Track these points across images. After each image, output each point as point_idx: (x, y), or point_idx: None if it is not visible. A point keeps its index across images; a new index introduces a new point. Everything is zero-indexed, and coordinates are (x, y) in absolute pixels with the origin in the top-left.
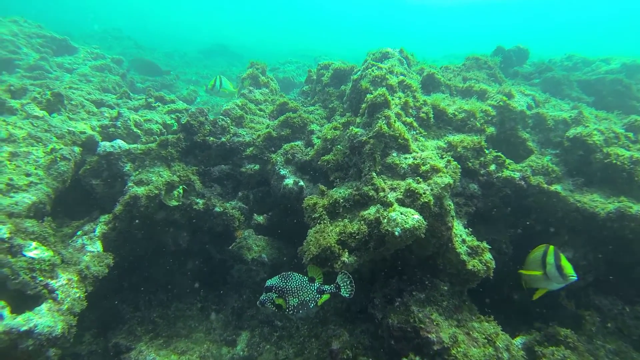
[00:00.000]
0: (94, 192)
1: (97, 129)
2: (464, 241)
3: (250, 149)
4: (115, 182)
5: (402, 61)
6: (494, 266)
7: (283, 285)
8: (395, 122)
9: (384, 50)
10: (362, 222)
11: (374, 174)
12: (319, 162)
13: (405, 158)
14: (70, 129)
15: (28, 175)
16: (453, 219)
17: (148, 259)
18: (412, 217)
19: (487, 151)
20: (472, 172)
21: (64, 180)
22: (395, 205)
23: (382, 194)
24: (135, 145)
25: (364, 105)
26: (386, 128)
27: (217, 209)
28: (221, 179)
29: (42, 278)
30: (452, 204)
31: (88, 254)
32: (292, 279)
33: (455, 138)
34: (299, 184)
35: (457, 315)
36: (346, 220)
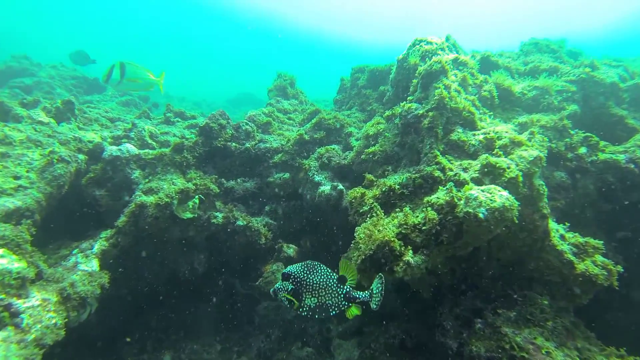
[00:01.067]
0: (97, 205)
1: (109, 139)
2: (562, 237)
3: (279, 155)
4: (121, 192)
5: (450, 47)
6: (621, 269)
7: (303, 277)
8: (456, 94)
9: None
10: (429, 209)
11: (436, 151)
12: (362, 157)
13: (474, 134)
14: (77, 135)
15: (17, 178)
16: (547, 205)
17: (158, 287)
18: (499, 194)
19: (572, 131)
20: (555, 158)
21: (59, 185)
22: (471, 184)
23: (450, 172)
24: (146, 151)
25: (414, 81)
26: (447, 97)
27: (239, 223)
28: (246, 198)
29: (3, 296)
30: (544, 185)
31: (79, 272)
32: (317, 271)
33: (529, 117)
34: (338, 187)
35: (571, 342)
36: (407, 209)
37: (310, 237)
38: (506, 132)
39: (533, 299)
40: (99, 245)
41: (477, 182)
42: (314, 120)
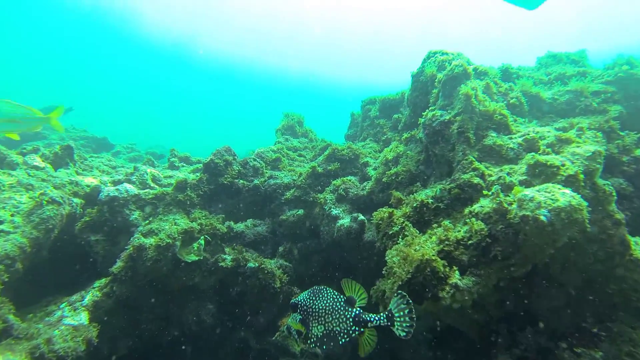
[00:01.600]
0: (92, 252)
1: (108, 184)
2: None
3: (291, 191)
4: (119, 237)
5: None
6: None
7: (309, 304)
8: (483, 98)
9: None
10: (473, 219)
11: (471, 157)
12: (384, 180)
13: (511, 138)
14: (73, 179)
15: None
16: (617, 210)
17: (162, 343)
18: (561, 192)
19: (621, 133)
20: (608, 163)
21: (47, 229)
22: (521, 187)
23: (491, 178)
24: (146, 190)
25: (435, 91)
26: (474, 97)
27: (251, 265)
28: (257, 243)
29: None
30: (610, 185)
31: (62, 327)
32: (323, 296)
33: (569, 121)
34: (359, 218)
35: None
36: (446, 222)
37: (329, 282)
38: (548, 131)
39: (624, 333)
40: (90, 296)
41: (526, 185)
42: (326, 152)
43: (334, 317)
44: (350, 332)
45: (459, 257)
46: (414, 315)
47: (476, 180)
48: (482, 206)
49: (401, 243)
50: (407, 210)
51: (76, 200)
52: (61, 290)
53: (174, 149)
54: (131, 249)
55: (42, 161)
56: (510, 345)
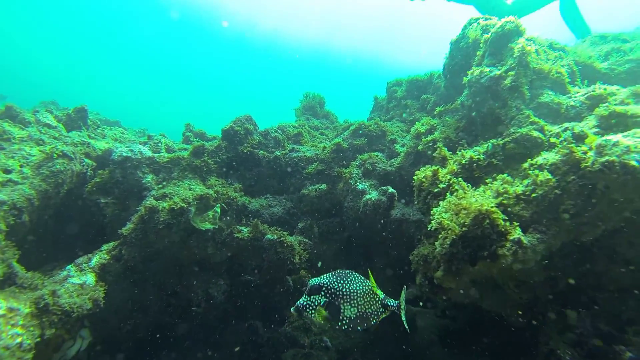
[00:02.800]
0: (102, 215)
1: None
2: None
3: (314, 165)
4: (130, 201)
5: None
6: None
7: (337, 287)
8: (537, 56)
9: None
10: (537, 171)
11: (528, 111)
12: (419, 148)
13: (571, 97)
14: (86, 140)
15: (7, 171)
16: None
17: (169, 321)
18: None
19: None
20: None
21: (57, 183)
22: (596, 136)
23: (555, 129)
24: (161, 154)
25: (479, 52)
26: (529, 52)
27: (269, 237)
28: (272, 224)
29: None
30: None
31: (67, 284)
32: (352, 279)
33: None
34: (389, 191)
35: None
36: (504, 175)
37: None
38: (618, 88)
39: None
40: (97, 258)
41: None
42: (352, 127)
43: (366, 300)
44: (379, 313)
45: (519, 213)
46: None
47: (535, 133)
48: (545, 158)
49: (451, 197)
50: (454, 168)
51: (87, 161)
52: (68, 254)
53: (189, 123)
54: (143, 210)
55: (55, 120)
56: (563, 330)
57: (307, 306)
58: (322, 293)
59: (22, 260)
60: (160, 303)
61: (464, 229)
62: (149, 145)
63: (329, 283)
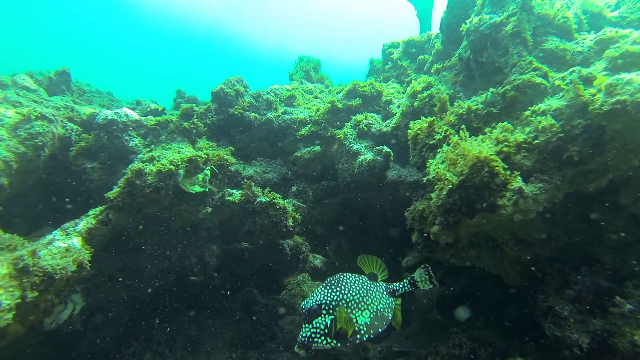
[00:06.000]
0: (88, 181)
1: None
2: None
3: (308, 127)
4: (116, 166)
5: None
6: None
7: (338, 298)
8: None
9: None
10: (539, 117)
11: (530, 57)
12: (415, 104)
13: (577, 42)
14: (69, 104)
15: None
16: None
17: (161, 289)
18: None
19: None
20: None
21: (36, 146)
22: (605, 77)
23: (558, 77)
24: (148, 117)
25: (479, 1)
26: (533, 2)
27: (261, 199)
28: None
29: None
30: None
31: (51, 247)
32: (348, 283)
33: None
34: (384, 151)
35: None
36: (504, 123)
37: (344, 235)
38: (630, 31)
39: None
40: (84, 223)
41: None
42: (347, 88)
43: (373, 296)
44: (391, 304)
45: (520, 162)
46: (435, 281)
47: (538, 80)
48: (549, 104)
49: (447, 148)
50: (451, 119)
51: (71, 125)
52: (56, 223)
53: (180, 89)
54: (130, 173)
55: (34, 83)
56: (562, 287)
57: (313, 335)
58: (324, 312)
59: (9, 230)
60: (155, 269)
61: (461, 177)
62: (137, 110)
63: (326, 298)
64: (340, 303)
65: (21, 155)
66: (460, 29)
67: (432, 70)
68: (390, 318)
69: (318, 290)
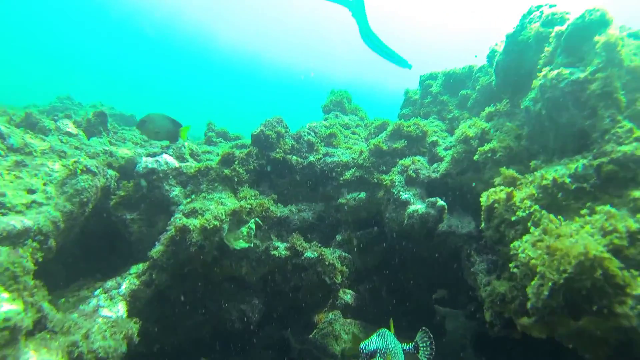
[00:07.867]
0: (127, 233)
1: (144, 157)
2: None
3: (351, 171)
4: (157, 216)
5: None
6: None
7: (386, 347)
8: (629, 52)
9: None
10: None
11: (628, 124)
12: (475, 157)
13: None
14: (107, 148)
15: (31, 191)
16: None
17: (201, 341)
18: None
19: None
20: None
21: (82, 202)
22: None
23: None
24: (188, 164)
25: (549, 48)
26: (620, 46)
27: (309, 254)
28: (302, 230)
29: None
30: None
31: (100, 320)
32: (390, 336)
33: None
34: (438, 204)
35: None
36: (608, 207)
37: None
38: None
39: None
40: (127, 283)
41: None
42: (390, 128)
43: (400, 352)
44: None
45: (635, 257)
46: (434, 347)
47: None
48: None
49: (536, 231)
50: (533, 192)
51: (111, 172)
52: (93, 273)
53: (211, 122)
54: (173, 230)
55: (75, 128)
56: None
57: None
58: (378, 355)
59: (46, 281)
60: (194, 324)
61: (564, 275)
62: (171, 150)
63: (379, 345)
64: (387, 351)
65: (68, 214)
66: (516, 76)
67: (482, 114)
68: None
69: (374, 338)
